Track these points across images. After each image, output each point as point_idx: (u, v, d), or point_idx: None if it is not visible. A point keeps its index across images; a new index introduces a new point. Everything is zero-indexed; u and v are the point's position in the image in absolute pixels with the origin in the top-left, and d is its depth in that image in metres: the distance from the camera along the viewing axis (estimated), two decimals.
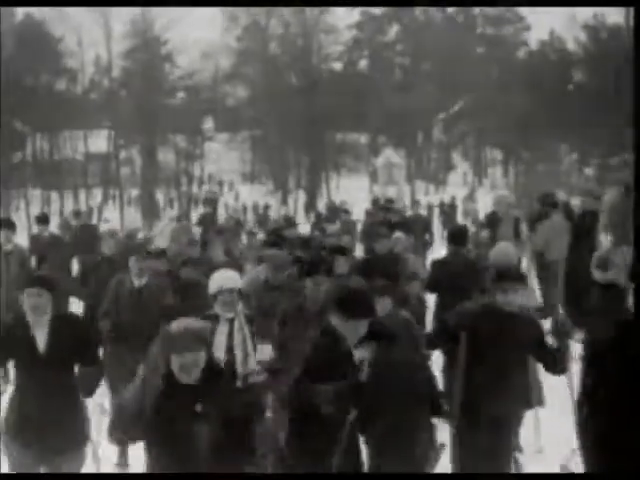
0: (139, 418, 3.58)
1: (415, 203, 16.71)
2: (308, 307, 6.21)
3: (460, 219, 27.41)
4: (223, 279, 5.66)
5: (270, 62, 41.00)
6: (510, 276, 5.07)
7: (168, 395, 3.65)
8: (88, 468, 5.15)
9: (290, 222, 13.70)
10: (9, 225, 9.76)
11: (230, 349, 5.54)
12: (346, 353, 4.33)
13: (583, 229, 10.81)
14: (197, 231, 14.61)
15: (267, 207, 34.13)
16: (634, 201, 8.62)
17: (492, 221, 10.86)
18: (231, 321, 5.59)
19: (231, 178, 45.38)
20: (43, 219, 11.90)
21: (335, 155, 42.77)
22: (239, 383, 5.32)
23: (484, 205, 21.82)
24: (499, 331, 4.93)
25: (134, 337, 6.59)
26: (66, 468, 4.83)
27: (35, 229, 12.71)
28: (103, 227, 14.64)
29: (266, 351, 5.48)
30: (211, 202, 24.26)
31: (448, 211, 29.94)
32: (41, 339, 4.85)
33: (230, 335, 5.56)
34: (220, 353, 5.44)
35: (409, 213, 18.22)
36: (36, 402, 4.77)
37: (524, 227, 11.08)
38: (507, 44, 45.81)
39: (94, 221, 34.31)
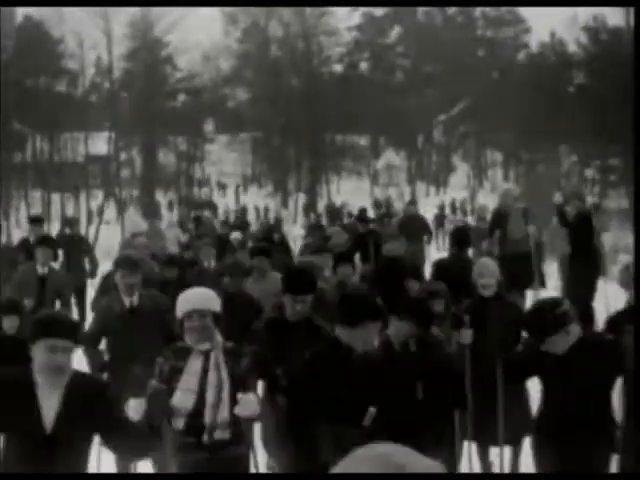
0: None
1: (412, 203, 16.11)
2: (288, 321, 5.21)
3: (458, 220, 27.39)
4: (190, 299, 4.33)
5: (271, 64, 40.98)
6: (550, 324, 4.32)
7: None
8: None
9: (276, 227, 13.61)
10: (48, 243, 8.20)
11: (201, 392, 4.21)
12: (355, 366, 4.09)
13: (578, 233, 10.69)
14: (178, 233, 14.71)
15: (267, 209, 34.13)
16: (634, 202, 8.57)
17: (500, 218, 10.69)
18: (206, 355, 4.27)
19: (235, 181, 45.38)
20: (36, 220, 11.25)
21: (335, 157, 42.71)
22: (205, 438, 4.18)
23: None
24: (559, 372, 4.39)
25: (130, 363, 5.42)
26: None
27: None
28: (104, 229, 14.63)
29: (250, 405, 4.15)
30: (202, 206, 24.21)
31: (450, 212, 29.98)
32: (50, 410, 3.44)
33: (203, 373, 4.24)
34: (187, 398, 4.21)
35: (401, 215, 17.64)
36: None
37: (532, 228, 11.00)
38: (507, 46, 45.79)
39: (94, 223, 34.42)
